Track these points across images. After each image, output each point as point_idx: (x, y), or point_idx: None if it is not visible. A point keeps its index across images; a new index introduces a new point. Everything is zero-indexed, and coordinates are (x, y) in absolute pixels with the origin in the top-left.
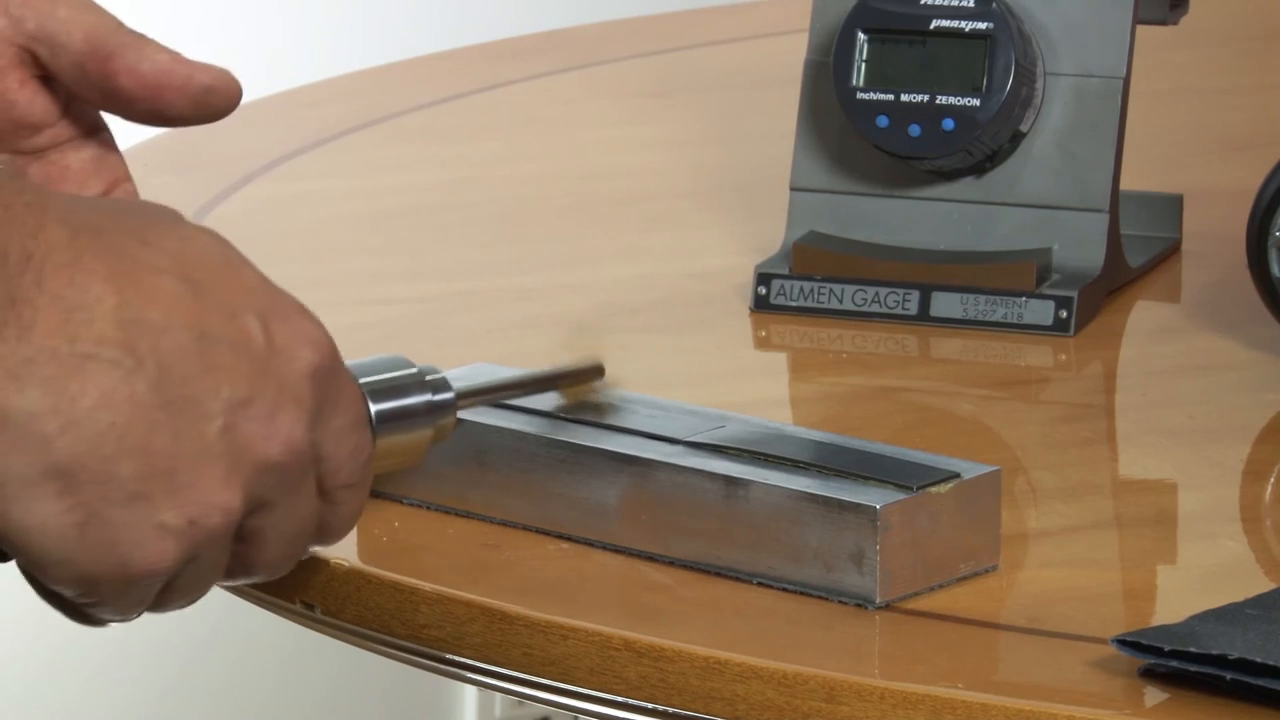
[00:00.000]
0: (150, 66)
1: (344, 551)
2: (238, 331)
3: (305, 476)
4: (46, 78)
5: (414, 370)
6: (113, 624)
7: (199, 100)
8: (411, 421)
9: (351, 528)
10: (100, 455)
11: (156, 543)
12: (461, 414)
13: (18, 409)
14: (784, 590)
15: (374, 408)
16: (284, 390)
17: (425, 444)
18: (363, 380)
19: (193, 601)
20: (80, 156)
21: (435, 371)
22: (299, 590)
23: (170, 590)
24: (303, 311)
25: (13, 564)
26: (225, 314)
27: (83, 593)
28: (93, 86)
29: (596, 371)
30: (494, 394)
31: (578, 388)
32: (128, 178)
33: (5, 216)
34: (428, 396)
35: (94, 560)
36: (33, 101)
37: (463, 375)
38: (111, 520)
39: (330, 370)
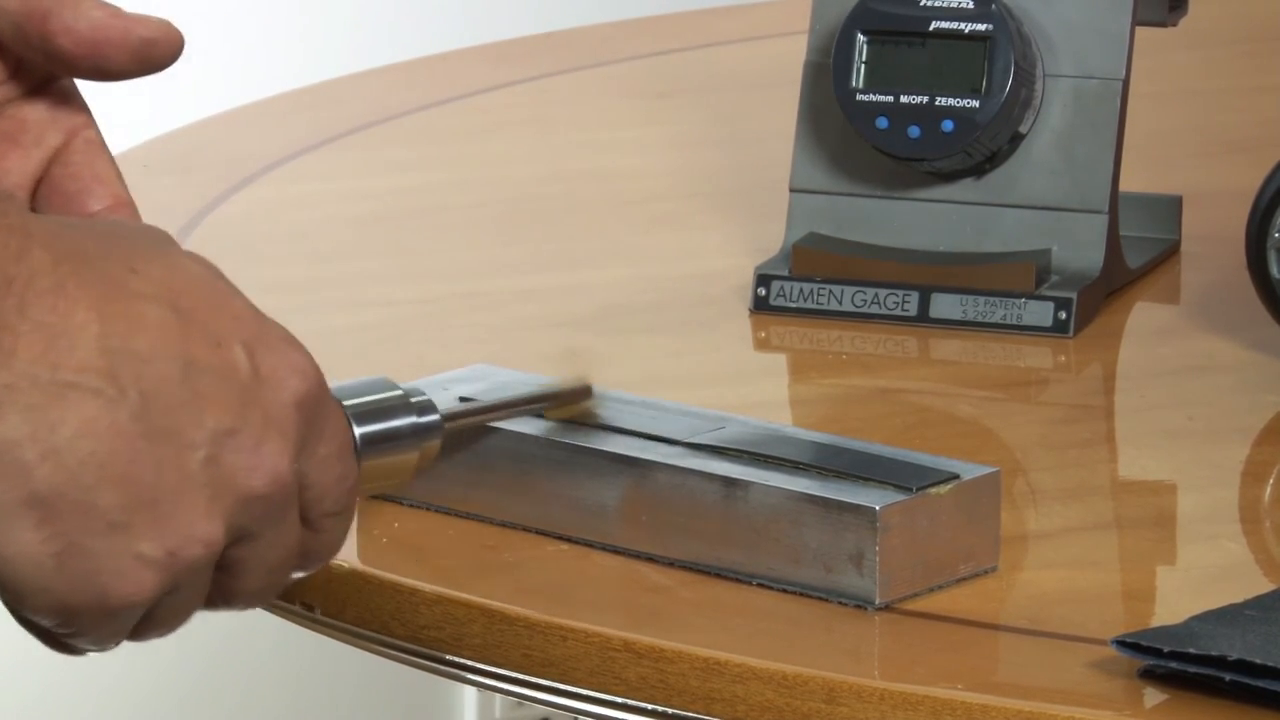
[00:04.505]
0: (86, 24)
1: (344, 553)
2: (223, 361)
3: (289, 507)
4: None
5: (399, 392)
6: (90, 653)
7: (139, 54)
8: (396, 444)
9: (335, 554)
10: (80, 485)
11: (136, 573)
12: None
13: None
14: (784, 591)
15: (358, 431)
16: (269, 421)
17: (411, 467)
18: (347, 403)
19: (171, 631)
20: (36, 110)
21: (420, 393)
22: (299, 591)
23: (149, 620)
24: (289, 340)
25: None
26: (211, 343)
27: (61, 622)
28: (32, 47)
29: (584, 393)
30: (480, 416)
31: (565, 408)
32: (89, 125)
33: None
34: (413, 419)
35: (72, 590)
36: None
37: (463, 377)
38: (91, 550)
39: (317, 399)
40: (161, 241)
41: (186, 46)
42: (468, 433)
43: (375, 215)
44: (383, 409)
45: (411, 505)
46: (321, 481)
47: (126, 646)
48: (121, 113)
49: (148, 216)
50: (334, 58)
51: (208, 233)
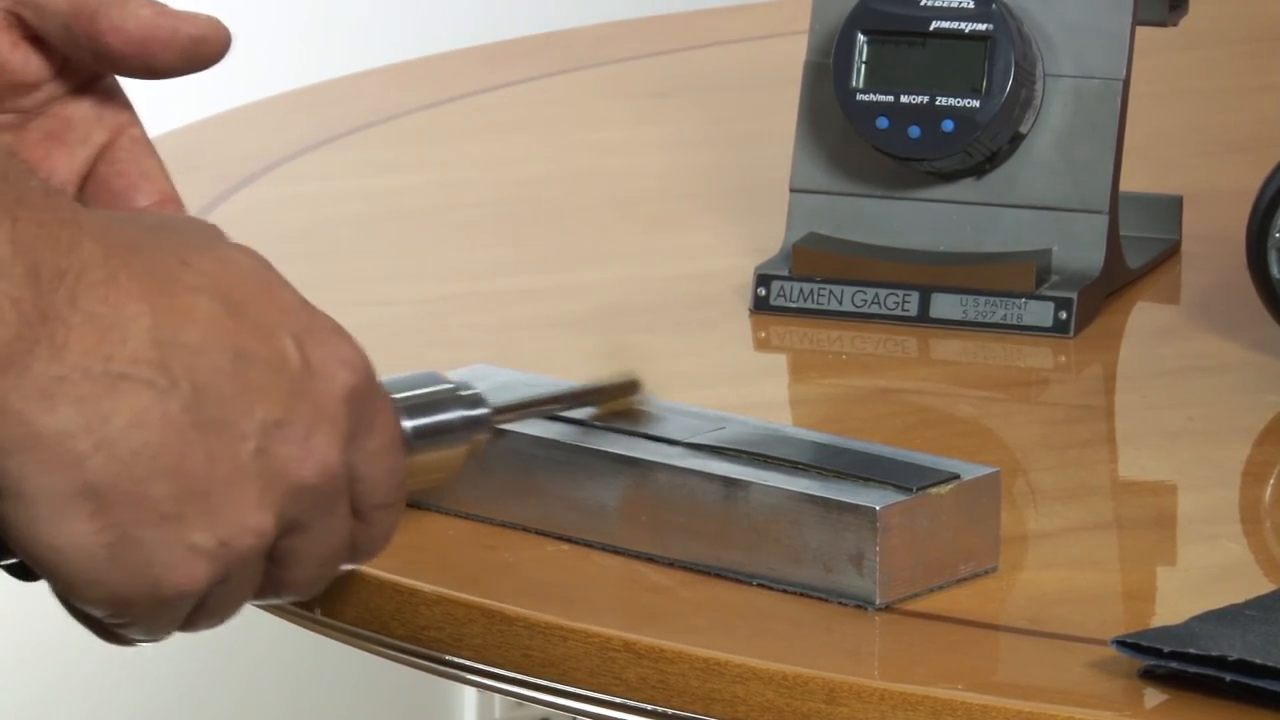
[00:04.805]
0: (135, 23)
1: None
2: (274, 353)
3: (339, 498)
4: (37, 37)
5: (449, 385)
6: (142, 644)
7: (188, 51)
8: (446, 438)
9: (385, 546)
10: (133, 476)
11: (188, 564)
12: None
13: (50, 428)
14: (784, 591)
15: (408, 424)
16: (319, 412)
17: (460, 460)
18: (397, 396)
19: (223, 621)
20: (81, 108)
21: (470, 387)
22: None
23: (201, 610)
24: (339, 332)
25: (41, 582)
26: (262, 335)
27: (113, 613)
28: (81, 46)
29: (634, 387)
30: (530, 409)
31: (614, 402)
32: (134, 123)
33: (39, 234)
34: (462, 412)
35: (124, 581)
36: (26, 62)
37: (464, 377)
38: (143, 541)
39: (366, 391)
40: (211, 235)
41: None
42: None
43: (375, 215)
44: (433, 402)
45: (412, 505)
46: (372, 474)
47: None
48: None
49: None
50: (334, 58)
51: None
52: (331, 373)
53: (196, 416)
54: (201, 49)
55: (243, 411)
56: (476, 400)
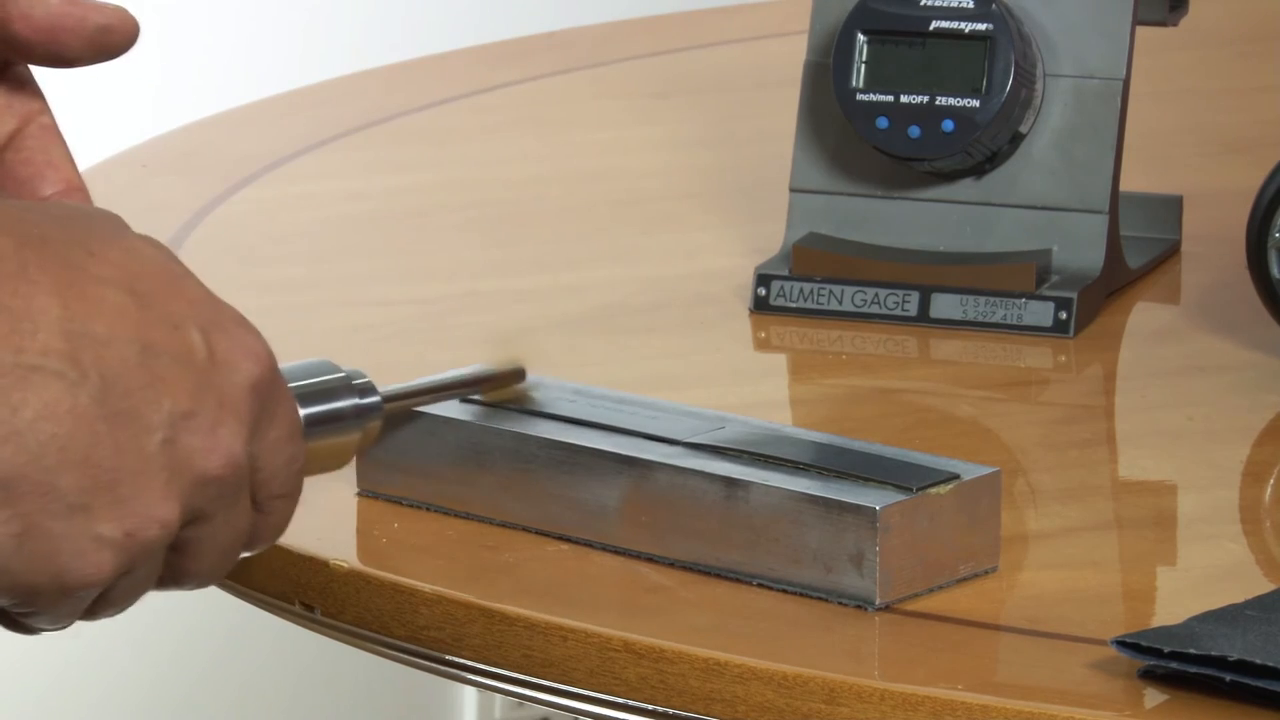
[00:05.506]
0: (43, 11)
1: (344, 553)
2: (180, 344)
3: (242, 488)
4: None
5: (341, 374)
6: (45, 632)
7: (95, 41)
8: (339, 425)
9: (280, 536)
10: (41, 466)
11: (94, 554)
12: (448, 415)
13: None
14: (784, 591)
15: (302, 412)
16: (224, 403)
17: (352, 448)
18: (291, 385)
19: (123, 610)
20: None
21: (361, 376)
22: (299, 592)
23: (104, 600)
24: (243, 323)
25: None
26: (168, 327)
27: (19, 602)
28: None
29: (517, 375)
30: (418, 397)
31: (501, 389)
32: (44, 111)
33: None
34: (354, 400)
35: (31, 571)
36: None
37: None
38: (50, 532)
39: (269, 382)
40: (116, 225)
41: (184, 46)
42: (403, 418)
43: (375, 215)
44: (326, 391)
45: (411, 505)
46: (272, 463)
47: (127, 646)
48: (122, 113)
49: (148, 216)
50: (334, 58)
51: (208, 233)
52: (236, 364)
53: (105, 408)
54: (109, 38)
55: (150, 403)
56: (367, 388)
